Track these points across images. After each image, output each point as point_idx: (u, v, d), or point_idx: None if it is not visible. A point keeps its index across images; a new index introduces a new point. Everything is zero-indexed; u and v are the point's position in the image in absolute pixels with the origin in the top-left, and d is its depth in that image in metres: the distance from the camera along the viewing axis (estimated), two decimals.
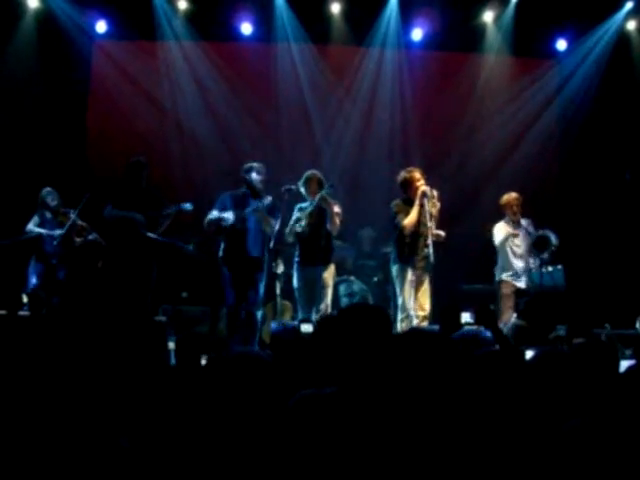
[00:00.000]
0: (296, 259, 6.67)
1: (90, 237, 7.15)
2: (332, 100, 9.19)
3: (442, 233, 6.41)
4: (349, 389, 2.07)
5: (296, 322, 6.31)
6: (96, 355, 1.52)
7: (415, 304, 6.36)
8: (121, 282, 6.65)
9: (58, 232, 7.15)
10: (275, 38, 9.02)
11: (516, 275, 7.14)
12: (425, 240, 6.28)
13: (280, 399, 2.25)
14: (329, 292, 6.68)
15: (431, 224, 6.25)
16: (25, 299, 6.85)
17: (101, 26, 8.80)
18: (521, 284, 7.14)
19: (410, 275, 6.41)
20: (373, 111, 9.16)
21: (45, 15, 8.64)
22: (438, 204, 6.44)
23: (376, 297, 7.90)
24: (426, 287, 6.49)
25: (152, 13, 8.75)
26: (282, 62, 9.13)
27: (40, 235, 7.20)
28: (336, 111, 9.19)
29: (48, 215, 7.29)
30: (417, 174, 6.45)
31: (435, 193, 6.41)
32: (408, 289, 6.40)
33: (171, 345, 4.60)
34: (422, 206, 6.28)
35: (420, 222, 6.34)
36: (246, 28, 9.02)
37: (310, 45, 9.12)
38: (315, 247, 6.55)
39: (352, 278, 8.09)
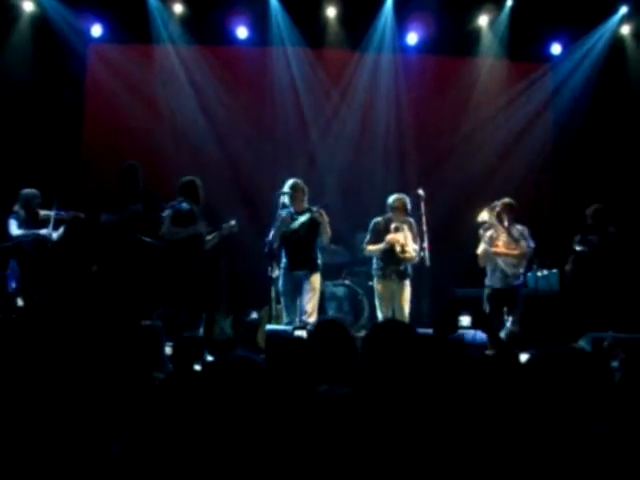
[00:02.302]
0: (283, 265, 6.81)
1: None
2: (328, 104, 9.19)
3: (416, 249, 6.81)
4: (364, 391, 2.07)
5: (290, 327, 6.35)
6: (86, 359, 1.51)
7: (390, 314, 6.75)
8: (115, 286, 6.64)
9: (49, 233, 7.07)
10: (271, 42, 9.03)
11: (503, 278, 6.99)
12: (398, 253, 6.74)
13: (274, 402, 2.24)
14: (316, 296, 6.80)
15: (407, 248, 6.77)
16: (20, 302, 6.83)
17: (96, 29, 8.80)
18: (498, 285, 6.88)
19: (382, 287, 6.91)
20: (368, 115, 9.17)
21: (40, 18, 8.64)
22: (408, 234, 6.83)
23: (371, 301, 7.88)
24: (404, 297, 6.82)
25: (147, 17, 8.74)
26: (278, 66, 9.14)
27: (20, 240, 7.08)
28: (332, 115, 9.20)
29: (23, 215, 7.11)
30: (399, 205, 6.83)
31: (405, 226, 6.83)
32: (382, 300, 6.92)
33: (167, 350, 4.59)
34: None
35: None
36: (241, 32, 9.03)
37: (306, 49, 9.13)
38: (303, 255, 6.75)
39: (347, 282, 8.10)
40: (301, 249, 6.75)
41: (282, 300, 6.83)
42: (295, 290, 6.77)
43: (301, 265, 6.74)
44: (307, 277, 6.72)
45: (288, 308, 6.79)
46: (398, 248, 6.76)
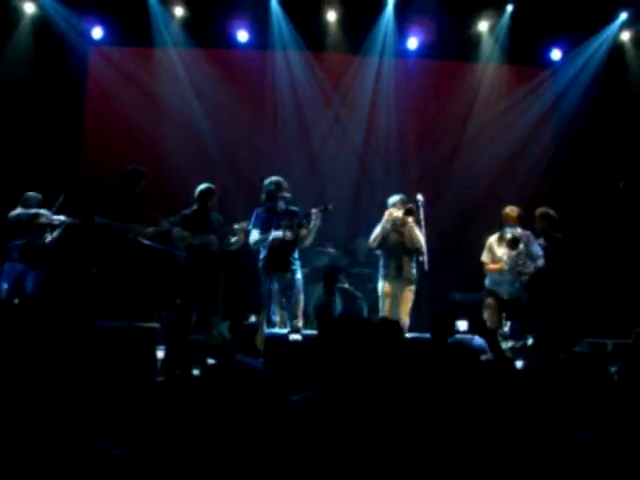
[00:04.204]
0: (263, 264, 6.75)
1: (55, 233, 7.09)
2: (328, 108, 9.19)
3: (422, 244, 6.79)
4: (330, 393, 2.07)
5: (285, 331, 6.37)
6: (77, 360, 1.51)
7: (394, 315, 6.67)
8: (114, 288, 6.64)
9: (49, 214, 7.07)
10: (271, 45, 9.03)
11: (500, 284, 6.96)
12: (400, 254, 6.81)
13: (275, 405, 2.25)
14: (302, 298, 6.86)
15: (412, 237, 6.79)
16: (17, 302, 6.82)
17: (97, 32, 8.82)
18: (504, 294, 6.91)
19: (387, 288, 6.90)
20: (369, 119, 9.18)
21: (41, 21, 8.65)
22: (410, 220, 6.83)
23: (371, 303, 7.88)
24: (407, 300, 6.84)
25: (148, 19, 8.75)
26: (278, 69, 9.15)
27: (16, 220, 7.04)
28: (332, 118, 9.21)
29: (24, 217, 7.09)
30: (395, 207, 6.89)
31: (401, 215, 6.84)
32: (385, 302, 6.91)
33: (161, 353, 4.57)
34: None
35: (391, 239, 6.87)
36: (242, 35, 9.04)
37: (306, 52, 9.14)
38: (287, 255, 6.74)
39: (345, 286, 8.10)
40: (286, 247, 6.72)
41: (267, 301, 6.70)
42: (283, 292, 6.76)
43: (284, 263, 6.71)
44: (292, 279, 6.73)
45: (275, 310, 6.70)
46: (399, 214, 6.78)
